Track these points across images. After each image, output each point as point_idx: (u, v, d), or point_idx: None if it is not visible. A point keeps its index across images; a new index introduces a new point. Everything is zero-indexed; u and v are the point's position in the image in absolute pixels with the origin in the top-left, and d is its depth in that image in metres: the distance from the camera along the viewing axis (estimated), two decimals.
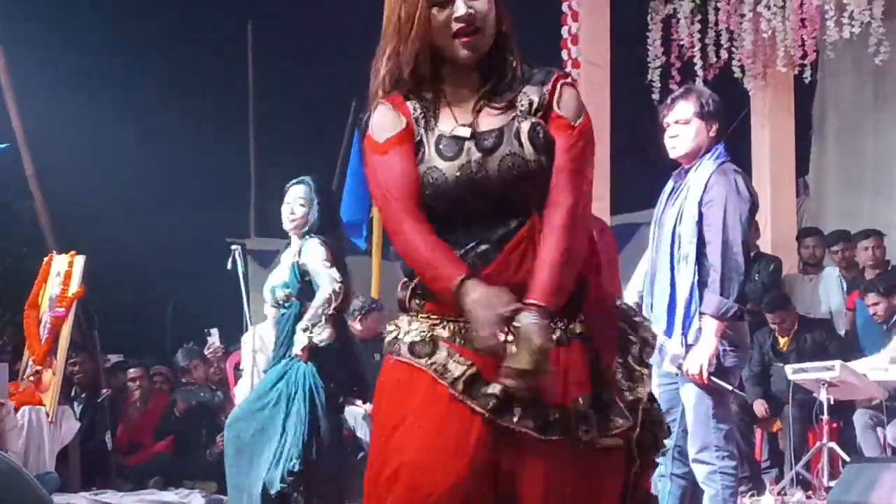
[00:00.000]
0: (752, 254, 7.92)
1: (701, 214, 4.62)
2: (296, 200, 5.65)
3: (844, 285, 8.39)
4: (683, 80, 8.63)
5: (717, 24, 8.71)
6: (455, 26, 2.45)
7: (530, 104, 2.49)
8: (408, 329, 2.51)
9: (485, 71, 2.52)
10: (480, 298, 2.35)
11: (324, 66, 12.22)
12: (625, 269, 9.50)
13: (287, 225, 5.70)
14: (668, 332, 4.64)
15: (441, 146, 2.47)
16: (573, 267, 2.43)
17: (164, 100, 12.20)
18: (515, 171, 2.44)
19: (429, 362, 2.44)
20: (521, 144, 2.45)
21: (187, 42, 12.15)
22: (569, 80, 2.55)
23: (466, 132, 2.47)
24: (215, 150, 12.13)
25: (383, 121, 2.52)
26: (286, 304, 5.64)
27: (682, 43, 8.85)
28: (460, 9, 2.45)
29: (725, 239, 4.57)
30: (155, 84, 12.21)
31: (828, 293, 8.48)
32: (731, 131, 8.80)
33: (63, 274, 8.08)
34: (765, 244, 8.77)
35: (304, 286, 5.60)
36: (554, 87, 2.50)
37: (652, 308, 4.78)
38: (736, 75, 8.80)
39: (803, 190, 10.17)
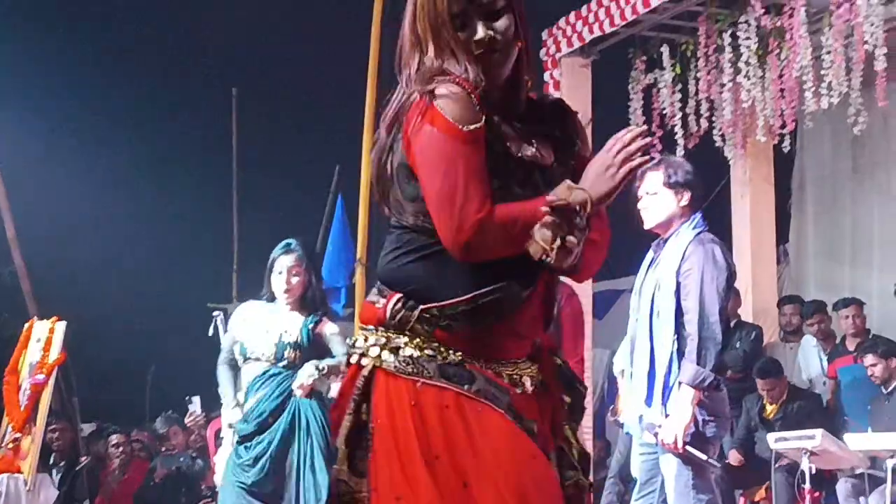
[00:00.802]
0: (732, 322, 8.01)
1: (678, 284, 4.64)
2: (289, 270, 5.48)
3: (822, 353, 8.40)
4: (665, 149, 8.70)
5: (697, 93, 8.80)
6: (476, 49, 2.36)
7: (570, 141, 2.46)
8: (422, 349, 2.35)
9: (505, 89, 2.42)
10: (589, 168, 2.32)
11: (307, 132, 12.29)
12: (606, 335, 9.53)
13: (281, 295, 5.51)
14: (648, 401, 4.65)
15: (511, 166, 2.35)
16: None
17: (147, 165, 12.24)
18: None
19: (474, 389, 2.33)
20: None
21: (172, 108, 12.22)
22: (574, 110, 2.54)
23: (533, 158, 2.38)
24: (198, 216, 12.14)
25: (466, 106, 2.30)
26: (287, 366, 5.44)
27: (663, 112, 8.93)
28: (479, 32, 2.36)
29: (702, 308, 4.59)
30: (138, 149, 12.25)
31: (806, 361, 8.50)
32: (711, 199, 8.92)
33: (44, 340, 8.03)
34: (746, 312, 8.79)
35: (309, 352, 5.49)
36: (577, 124, 2.51)
37: (632, 377, 4.79)
38: (716, 144, 8.87)
39: (784, 258, 10.22)
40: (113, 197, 11.69)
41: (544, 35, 9.57)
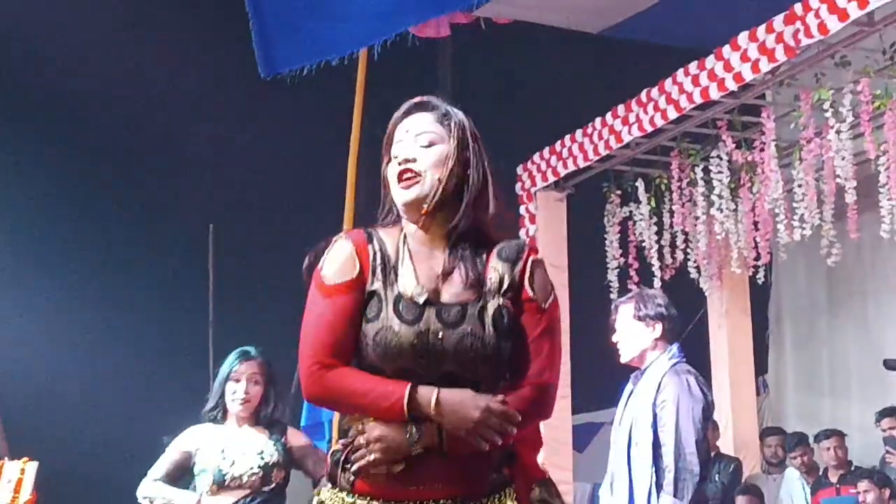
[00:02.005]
0: (712, 454, 7.95)
1: (655, 415, 4.63)
2: (249, 378, 5.07)
3: (806, 486, 8.32)
4: (642, 281, 8.74)
5: (672, 226, 8.88)
6: (396, 169, 2.47)
7: (500, 282, 2.43)
8: None
9: (451, 236, 2.47)
10: (464, 398, 2.30)
11: (284, 267, 12.29)
12: (587, 468, 9.43)
13: (236, 408, 5.06)
14: None
15: (400, 307, 2.39)
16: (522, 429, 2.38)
17: (122, 306, 12.18)
18: (472, 352, 2.37)
19: None
20: (483, 326, 2.38)
21: (147, 247, 12.22)
22: (538, 256, 2.51)
23: (424, 298, 2.40)
24: (174, 355, 12.04)
25: (338, 262, 2.46)
26: (274, 490, 4.98)
27: (640, 244, 8.99)
28: (403, 153, 2.48)
29: (678, 440, 4.58)
30: (112, 286, 12.20)
31: (791, 495, 8.40)
32: (690, 330, 8.93)
33: (14, 481, 7.87)
34: (727, 444, 8.73)
35: (289, 471, 5.11)
36: (525, 267, 2.45)
37: None
38: (692, 276, 8.92)
39: (763, 389, 10.20)
40: (87, 336, 11.60)
41: (519, 170, 9.69)
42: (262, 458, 4.99)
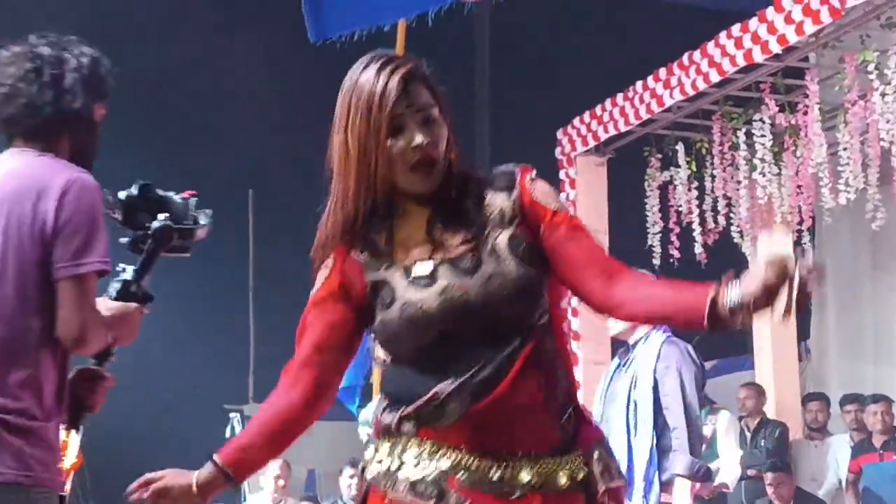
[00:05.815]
0: (757, 420, 8.00)
1: (656, 381, 4.74)
2: None
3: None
4: (683, 245, 8.70)
5: (713, 190, 8.82)
6: (413, 157, 2.24)
7: (502, 214, 2.28)
8: (401, 459, 2.24)
9: (436, 198, 2.29)
10: None
11: None
12: None
13: None
14: (628, 495, 4.68)
15: (411, 279, 2.24)
16: None
17: (162, 269, 12.26)
18: (502, 291, 2.21)
19: None
20: (501, 261, 2.24)
21: None
22: (534, 173, 2.34)
23: (430, 266, 2.25)
24: (214, 320, 12.13)
25: (322, 273, 2.43)
26: None
27: (679, 209, 8.94)
28: (418, 138, 2.23)
29: (686, 402, 4.75)
30: None
31: (836, 460, 8.34)
32: None
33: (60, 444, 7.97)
34: (768, 409, 8.69)
35: None
36: (524, 187, 2.29)
37: None
38: (735, 240, 8.86)
39: (805, 354, 10.14)
40: None
41: (559, 134, 9.64)
42: None
